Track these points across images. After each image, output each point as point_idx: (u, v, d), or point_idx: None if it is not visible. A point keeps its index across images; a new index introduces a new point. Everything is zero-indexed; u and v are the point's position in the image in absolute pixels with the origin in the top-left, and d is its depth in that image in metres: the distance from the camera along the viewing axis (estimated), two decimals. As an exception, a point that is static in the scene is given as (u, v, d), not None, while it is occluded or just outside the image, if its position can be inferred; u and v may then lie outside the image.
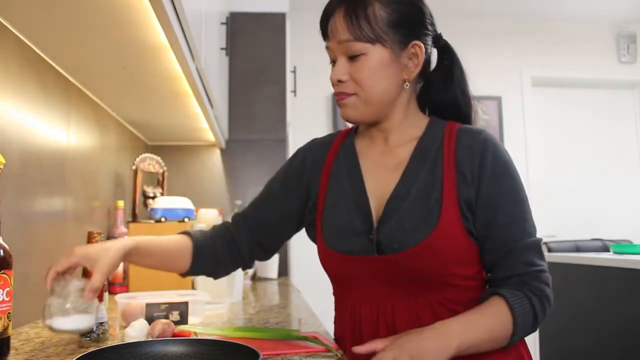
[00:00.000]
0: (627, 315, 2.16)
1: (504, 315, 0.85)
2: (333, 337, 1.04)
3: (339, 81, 0.94)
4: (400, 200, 0.92)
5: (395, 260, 0.89)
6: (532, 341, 3.18)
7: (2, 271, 0.84)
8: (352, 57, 0.92)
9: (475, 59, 3.99)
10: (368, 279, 0.93)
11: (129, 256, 0.94)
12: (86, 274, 0.97)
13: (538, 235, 0.92)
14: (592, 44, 4.11)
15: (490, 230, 0.90)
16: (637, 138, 4.18)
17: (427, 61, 0.99)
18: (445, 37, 1.01)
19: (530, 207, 0.93)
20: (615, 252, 2.48)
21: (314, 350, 0.93)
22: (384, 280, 0.91)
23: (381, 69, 0.92)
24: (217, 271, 1.09)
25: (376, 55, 0.91)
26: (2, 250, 0.85)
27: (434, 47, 1.00)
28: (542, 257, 0.91)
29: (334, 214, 0.99)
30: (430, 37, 0.98)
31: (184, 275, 1.06)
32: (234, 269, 1.11)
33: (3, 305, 0.83)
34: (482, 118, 3.99)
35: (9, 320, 0.84)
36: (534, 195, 3.99)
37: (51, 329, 0.85)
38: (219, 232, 1.09)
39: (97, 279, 0.84)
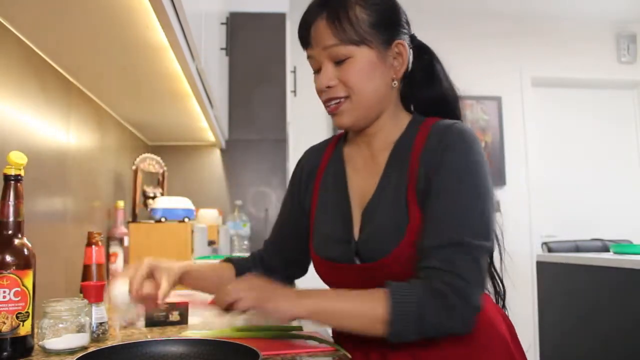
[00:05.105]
0: (627, 315, 2.16)
1: (377, 296, 0.81)
2: (332, 336, 1.04)
3: (328, 87, 0.94)
4: (374, 209, 0.93)
5: (373, 268, 0.90)
6: (532, 340, 3.18)
7: (9, 271, 0.83)
8: (339, 62, 0.93)
9: (476, 59, 4.02)
10: (356, 284, 0.90)
11: (186, 277, 1.01)
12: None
13: (494, 244, 0.87)
14: (592, 44, 4.12)
15: (425, 221, 0.86)
16: (637, 138, 4.19)
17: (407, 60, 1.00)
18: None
19: (501, 212, 0.87)
20: (615, 252, 2.47)
21: (314, 350, 0.93)
22: (371, 285, 0.87)
23: (370, 69, 0.93)
24: None
25: (363, 56, 0.92)
26: (26, 250, 0.85)
27: (410, 47, 1.00)
28: (473, 265, 0.81)
29: (322, 222, 1.02)
30: (408, 36, 0.99)
31: None
32: None
33: (9, 305, 0.83)
34: (482, 118, 3.99)
35: (20, 321, 0.83)
36: (534, 196, 3.99)
37: (44, 349, 0.86)
38: (256, 259, 1.15)
39: (166, 287, 0.93)
